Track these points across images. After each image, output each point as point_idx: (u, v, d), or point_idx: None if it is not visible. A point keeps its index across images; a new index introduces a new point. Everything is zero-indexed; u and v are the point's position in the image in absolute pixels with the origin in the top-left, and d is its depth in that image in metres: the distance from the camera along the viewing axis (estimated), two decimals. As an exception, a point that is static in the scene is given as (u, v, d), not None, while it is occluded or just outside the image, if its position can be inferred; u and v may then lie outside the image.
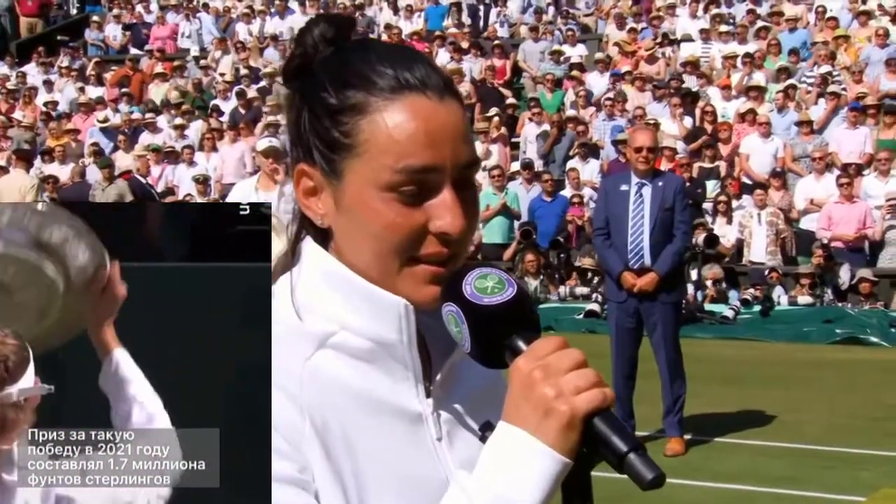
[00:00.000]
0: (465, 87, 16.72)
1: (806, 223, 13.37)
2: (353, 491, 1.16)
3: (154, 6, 23.01)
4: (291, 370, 1.17)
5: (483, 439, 1.19)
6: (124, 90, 19.24)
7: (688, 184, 10.56)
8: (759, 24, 17.28)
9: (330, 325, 1.21)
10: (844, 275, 12.20)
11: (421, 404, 1.23)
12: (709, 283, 12.46)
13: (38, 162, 16.74)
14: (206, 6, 22.47)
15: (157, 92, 19.35)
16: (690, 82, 16.11)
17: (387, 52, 1.23)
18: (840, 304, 11.95)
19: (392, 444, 1.20)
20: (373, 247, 1.19)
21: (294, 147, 1.26)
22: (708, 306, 12.12)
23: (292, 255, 1.28)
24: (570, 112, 16.29)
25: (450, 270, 1.20)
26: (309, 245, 1.25)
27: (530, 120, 16.19)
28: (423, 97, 1.19)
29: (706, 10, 18.19)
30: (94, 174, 15.88)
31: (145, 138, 17.26)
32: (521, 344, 1.13)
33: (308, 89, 1.23)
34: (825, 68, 15.16)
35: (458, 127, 1.20)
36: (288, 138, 1.29)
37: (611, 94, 16.20)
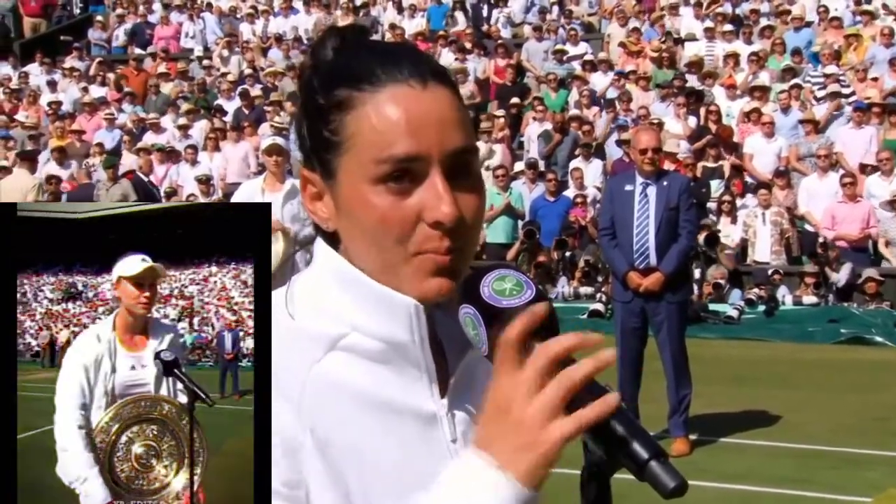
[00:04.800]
0: (469, 87, 16.68)
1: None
2: (359, 496, 1.14)
3: (157, 6, 22.97)
4: (294, 376, 1.15)
5: None
6: (128, 90, 19.22)
7: (692, 183, 10.53)
8: (764, 22, 17.23)
9: (341, 326, 1.19)
10: (843, 274, 12.13)
11: (435, 405, 1.22)
12: (721, 282, 12.43)
13: (45, 162, 16.72)
14: (209, 6, 22.43)
15: (161, 91, 19.33)
16: (694, 81, 16.06)
17: (373, 48, 1.23)
18: (845, 304, 11.91)
19: (406, 445, 1.18)
20: (372, 243, 1.18)
21: (302, 155, 1.27)
22: (711, 306, 12.10)
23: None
24: (573, 111, 16.25)
25: (455, 261, 1.17)
26: (320, 247, 1.25)
27: (534, 119, 16.16)
28: (405, 86, 1.17)
29: (709, 8, 18.14)
30: (99, 174, 15.88)
31: (149, 138, 17.25)
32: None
33: (304, 95, 1.24)
34: (831, 68, 15.10)
35: (445, 113, 1.18)
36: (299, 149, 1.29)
37: (615, 94, 16.17)
